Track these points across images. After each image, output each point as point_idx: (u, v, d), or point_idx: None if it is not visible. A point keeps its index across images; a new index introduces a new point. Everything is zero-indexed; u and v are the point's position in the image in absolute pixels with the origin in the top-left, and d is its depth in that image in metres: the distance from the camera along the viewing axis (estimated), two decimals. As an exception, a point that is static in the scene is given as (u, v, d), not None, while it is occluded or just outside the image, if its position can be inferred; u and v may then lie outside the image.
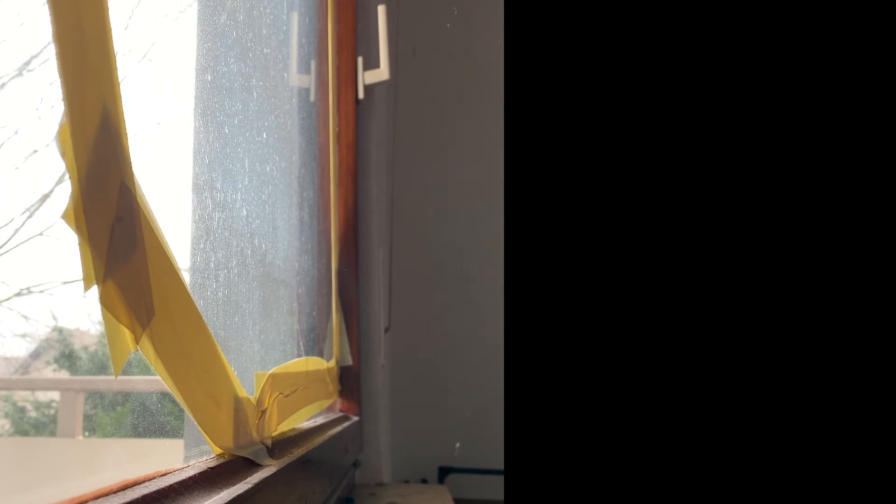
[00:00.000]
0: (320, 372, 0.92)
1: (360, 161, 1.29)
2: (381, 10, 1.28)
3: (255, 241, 0.74)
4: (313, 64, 1.15)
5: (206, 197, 0.60)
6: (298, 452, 0.59)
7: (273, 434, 0.59)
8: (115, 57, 0.32)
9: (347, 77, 1.28)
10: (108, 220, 0.31)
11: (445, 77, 1.62)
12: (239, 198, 0.69)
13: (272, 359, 0.81)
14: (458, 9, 1.63)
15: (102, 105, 0.31)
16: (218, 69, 0.65)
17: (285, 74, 0.97)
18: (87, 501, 0.30)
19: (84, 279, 0.29)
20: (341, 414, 1.12)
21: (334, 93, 1.23)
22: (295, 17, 1.01)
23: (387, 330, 1.32)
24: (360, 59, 1.29)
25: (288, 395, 0.65)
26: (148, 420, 0.60)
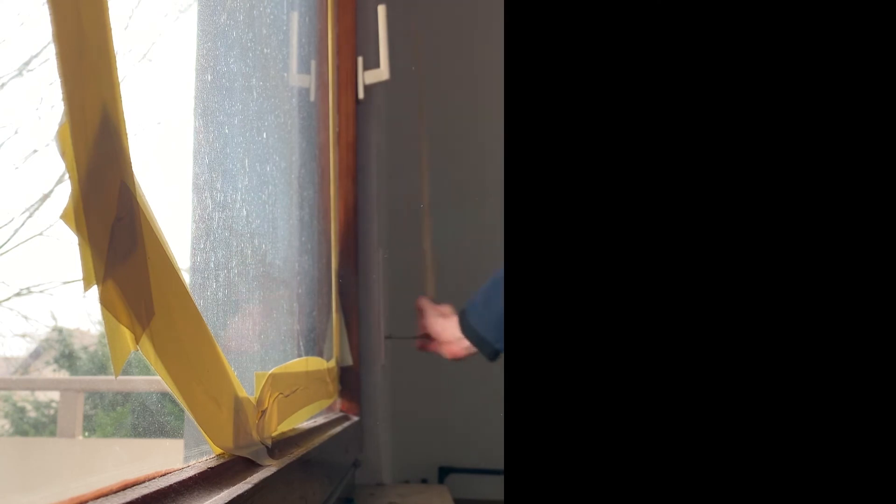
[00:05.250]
0: (320, 372, 0.92)
1: (360, 161, 1.29)
2: (381, 10, 1.28)
3: (255, 241, 0.74)
4: (313, 64, 1.15)
5: (206, 197, 0.60)
6: (298, 452, 0.59)
7: (273, 434, 0.59)
8: (115, 57, 0.32)
9: (347, 77, 1.28)
10: (108, 220, 0.31)
11: (445, 77, 1.62)
12: (239, 198, 0.69)
13: (272, 359, 0.80)
14: (459, 8, 1.63)
15: (102, 105, 0.31)
16: (218, 69, 0.65)
17: (285, 74, 0.97)
18: (87, 501, 0.30)
19: (84, 279, 0.29)
20: (341, 414, 1.12)
21: (334, 93, 1.23)
22: (295, 17, 1.01)
23: (388, 338, 1.32)
24: (360, 59, 1.29)
25: (288, 396, 0.65)
26: (148, 420, 0.60)
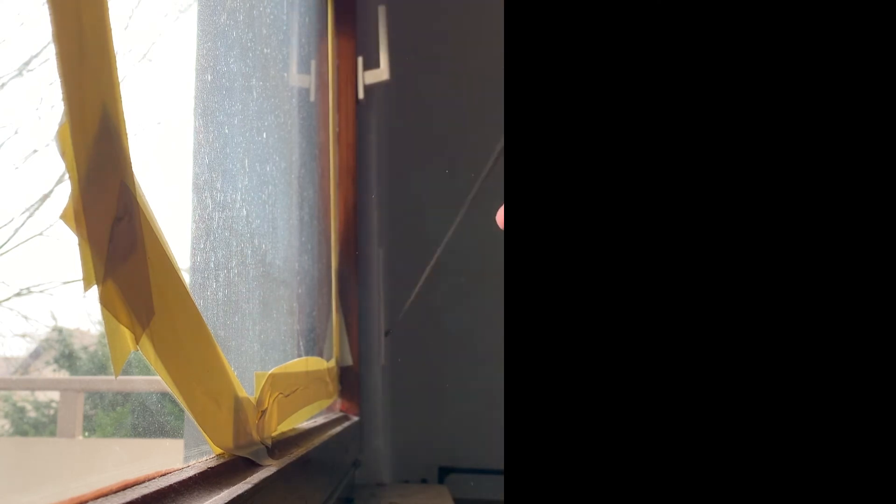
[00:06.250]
0: (320, 372, 0.92)
1: (360, 161, 1.29)
2: (381, 10, 1.28)
3: (255, 241, 0.74)
4: (313, 64, 1.15)
5: (206, 197, 0.60)
6: (298, 452, 0.59)
7: (273, 434, 0.59)
8: (115, 57, 0.32)
9: (347, 77, 1.28)
10: (108, 220, 0.31)
11: (445, 77, 1.62)
12: (239, 198, 0.69)
13: (272, 359, 0.80)
14: (459, 8, 1.63)
15: (102, 105, 0.31)
16: (218, 69, 0.65)
17: (285, 74, 0.97)
18: (87, 501, 0.30)
19: (84, 279, 0.29)
20: (341, 414, 1.12)
21: (334, 93, 1.23)
22: (295, 17, 1.01)
23: (387, 333, 1.32)
24: (360, 59, 1.29)
25: (288, 396, 0.65)
26: (148, 420, 0.60)
